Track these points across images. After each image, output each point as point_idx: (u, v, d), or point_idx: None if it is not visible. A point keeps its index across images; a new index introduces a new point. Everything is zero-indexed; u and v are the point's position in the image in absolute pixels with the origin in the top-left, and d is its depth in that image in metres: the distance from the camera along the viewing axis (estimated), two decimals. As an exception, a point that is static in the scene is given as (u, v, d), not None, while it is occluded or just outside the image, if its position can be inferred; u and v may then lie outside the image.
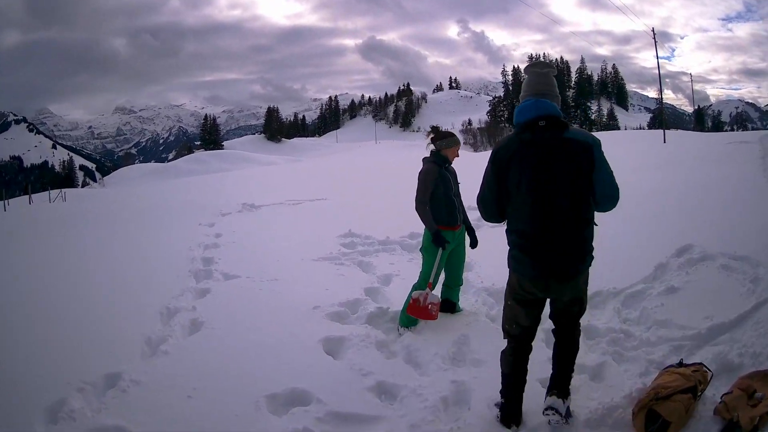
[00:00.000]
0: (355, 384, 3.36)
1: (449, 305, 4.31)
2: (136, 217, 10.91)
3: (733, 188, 7.65)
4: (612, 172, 2.49)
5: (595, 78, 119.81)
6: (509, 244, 2.64)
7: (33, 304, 4.74)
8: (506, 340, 2.79)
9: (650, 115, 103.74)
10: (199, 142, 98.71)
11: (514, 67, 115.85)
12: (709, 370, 2.86)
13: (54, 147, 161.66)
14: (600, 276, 3.71)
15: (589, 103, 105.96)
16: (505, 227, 2.67)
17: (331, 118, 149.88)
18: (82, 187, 68.46)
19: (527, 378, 2.80)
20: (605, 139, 3.26)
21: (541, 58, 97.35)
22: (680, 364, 2.88)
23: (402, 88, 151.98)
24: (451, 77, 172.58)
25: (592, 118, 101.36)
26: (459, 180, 4.27)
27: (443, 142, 4.17)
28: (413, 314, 3.99)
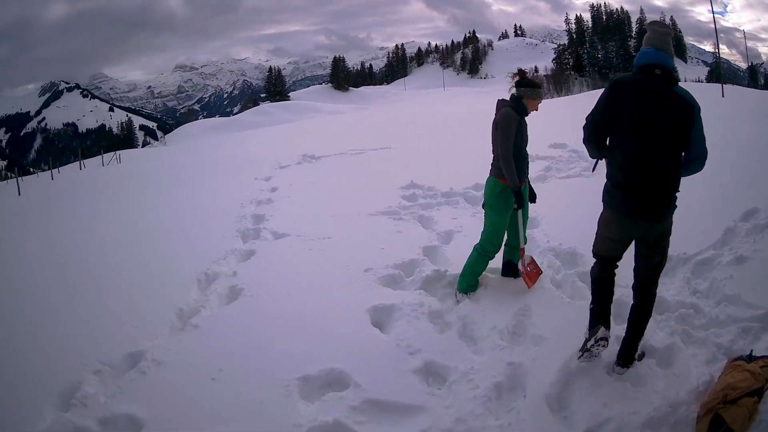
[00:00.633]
0: (401, 364, 2.90)
1: (512, 268, 3.81)
2: (188, 175, 10.57)
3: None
4: (705, 137, 2.63)
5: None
6: (607, 177, 2.75)
7: (60, 274, 4.56)
8: (595, 258, 2.90)
9: (707, 68, 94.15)
10: (264, 95, 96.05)
11: (576, 15, 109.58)
12: None
13: (111, 110, 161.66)
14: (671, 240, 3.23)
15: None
16: (606, 158, 2.78)
17: (399, 66, 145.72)
18: (143, 146, 66.24)
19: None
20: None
21: (602, 7, 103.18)
22: (750, 357, 2.64)
23: (468, 35, 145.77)
24: (516, 25, 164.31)
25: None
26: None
27: (529, 90, 3.59)
28: (533, 283, 3.57)
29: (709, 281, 3.64)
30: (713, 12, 31.16)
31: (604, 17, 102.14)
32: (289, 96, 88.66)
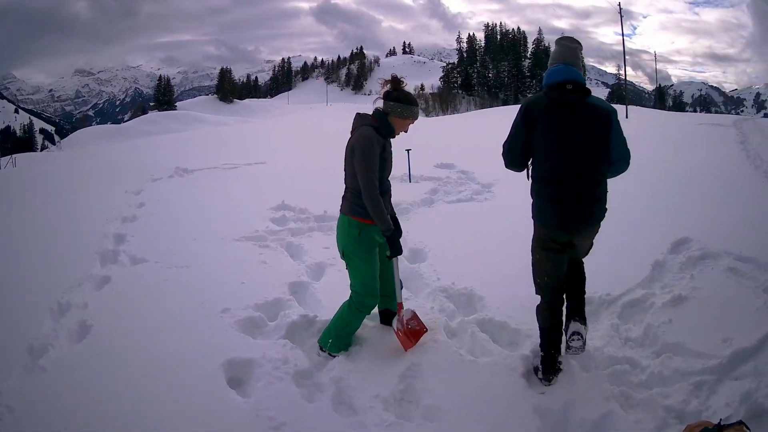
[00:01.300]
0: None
1: (391, 317, 3.23)
2: (60, 185, 9.53)
3: (719, 175, 7.29)
4: (625, 138, 2.72)
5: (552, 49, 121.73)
6: (534, 195, 2.77)
7: None
8: (539, 295, 2.85)
9: (608, 90, 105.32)
10: (153, 103, 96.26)
11: (469, 34, 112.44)
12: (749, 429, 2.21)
13: (16, 111, 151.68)
14: (588, 278, 2.98)
15: (544, 74, 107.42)
16: (532, 176, 2.77)
17: (284, 79, 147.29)
18: (41, 150, 65.33)
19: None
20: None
21: (497, 27, 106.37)
22: (719, 428, 2.15)
23: (355, 51, 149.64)
24: (405, 42, 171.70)
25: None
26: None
27: (399, 107, 2.90)
28: (414, 343, 2.97)
29: (642, 327, 3.15)
30: (623, 34, 30.84)
31: (499, 37, 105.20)
32: (176, 106, 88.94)
